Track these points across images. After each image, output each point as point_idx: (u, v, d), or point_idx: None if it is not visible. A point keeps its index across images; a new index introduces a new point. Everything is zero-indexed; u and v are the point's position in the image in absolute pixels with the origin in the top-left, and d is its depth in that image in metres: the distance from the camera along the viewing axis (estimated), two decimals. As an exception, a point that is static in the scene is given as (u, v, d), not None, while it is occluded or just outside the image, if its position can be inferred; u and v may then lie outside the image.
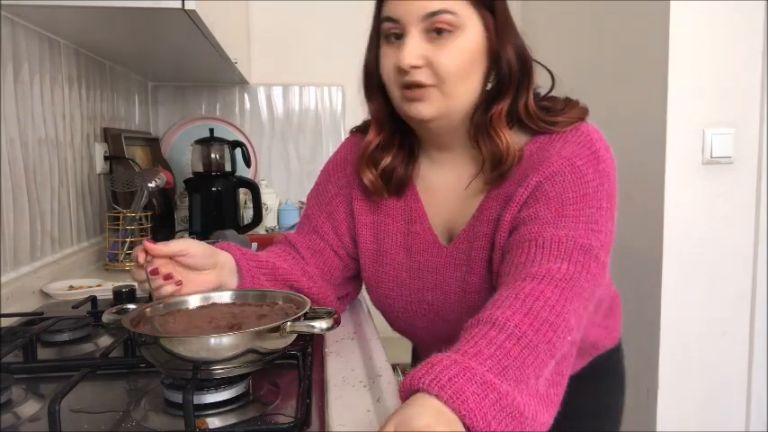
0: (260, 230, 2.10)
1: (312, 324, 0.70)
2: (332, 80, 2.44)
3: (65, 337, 0.93)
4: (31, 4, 1.14)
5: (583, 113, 0.86)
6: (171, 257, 0.81)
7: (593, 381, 1.00)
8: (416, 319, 0.96)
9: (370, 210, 0.96)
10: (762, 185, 1.74)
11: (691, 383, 1.76)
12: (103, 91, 1.76)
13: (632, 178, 1.83)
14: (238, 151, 2.06)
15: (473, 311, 0.68)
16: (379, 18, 0.85)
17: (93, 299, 1.07)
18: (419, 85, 0.81)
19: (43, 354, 0.88)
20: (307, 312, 0.75)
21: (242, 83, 2.34)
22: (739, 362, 1.79)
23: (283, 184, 2.45)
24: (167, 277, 0.80)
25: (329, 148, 2.47)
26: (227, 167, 1.99)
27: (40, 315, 1.04)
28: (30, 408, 0.69)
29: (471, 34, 0.81)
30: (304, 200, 2.34)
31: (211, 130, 2.02)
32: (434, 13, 0.78)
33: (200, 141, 1.98)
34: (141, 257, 0.79)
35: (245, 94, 2.42)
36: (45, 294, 1.24)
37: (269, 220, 2.20)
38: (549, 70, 0.88)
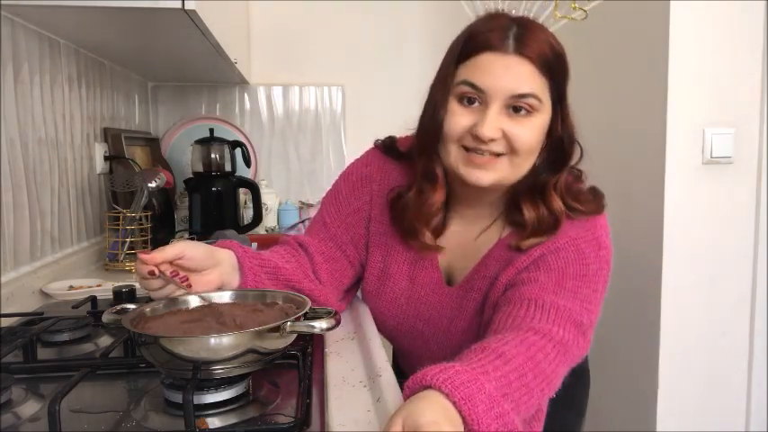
0: (260, 230, 2.10)
1: (312, 324, 0.70)
2: (332, 80, 2.43)
3: (65, 337, 0.92)
4: (31, 4, 1.14)
5: (601, 209, 0.92)
6: (171, 262, 0.80)
7: None
8: (404, 337, 1.03)
9: (385, 233, 0.99)
10: (762, 185, 1.74)
11: (691, 383, 1.76)
12: (103, 91, 1.76)
13: (632, 178, 1.83)
14: (238, 151, 2.06)
15: (454, 348, 0.77)
16: (452, 75, 0.86)
17: (93, 299, 1.07)
18: (493, 154, 0.84)
19: (43, 354, 0.88)
20: (307, 312, 0.75)
21: (242, 83, 2.34)
22: (739, 362, 1.79)
23: (283, 184, 2.45)
24: (183, 279, 0.80)
25: (329, 148, 2.47)
26: (227, 167, 1.99)
27: (40, 315, 1.04)
28: (30, 408, 0.69)
29: (544, 115, 0.86)
30: (304, 200, 2.37)
31: (211, 130, 2.02)
32: (524, 96, 0.83)
33: (201, 141, 1.98)
34: (146, 269, 0.77)
35: (245, 94, 2.42)
36: (45, 294, 1.24)
37: (269, 220, 2.20)
38: (580, 146, 0.93)
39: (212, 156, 1.97)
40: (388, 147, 1.01)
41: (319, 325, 0.69)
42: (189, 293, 0.81)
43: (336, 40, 2.41)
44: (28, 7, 1.16)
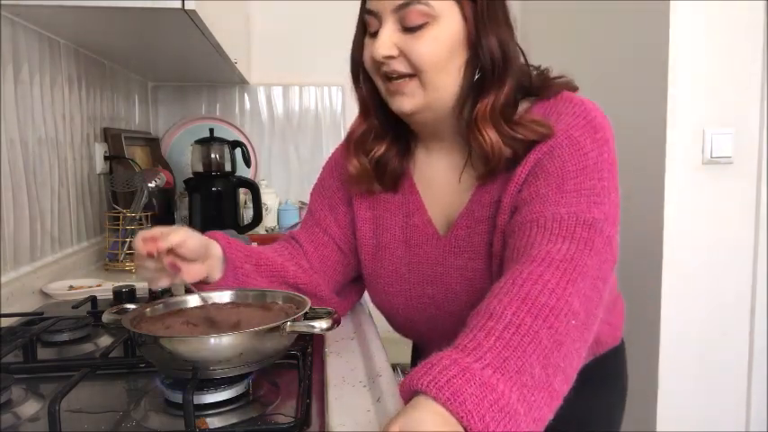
0: (260, 230, 2.10)
1: (312, 324, 0.70)
2: (332, 80, 2.43)
3: (65, 337, 0.93)
4: (31, 4, 1.14)
5: (573, 86, 0.86)
6: (169, 250, 0.81)
7: (592, 383, 0.97)
8: (417, 314, 0.94)
9: (369, 205, 0.96)
10: (762, 185, 1.74)
11: (691, 383, 1.76)
12: (103, 91, 1.76)
13: (632, 178, 1.83)
14: (238, 151, 2.06)
15: (477, 301, 0.65)
16: (363, 11, 0.85)
17: (93, 299, 1.07)
18: (399, 76, 0.80)
19: (43, 354, 0.88)
20: (307, 312, 0.75)
21: (242, 83, 2.34)
22: (739, 362, 1.79)
23: (283, 184, 2.45)
24: (175, 267, 0.80)
25: (329, 148, 2.45)
26: (227, 167, 1.99)
27: (40, 315, 1.04)
28: (30, 408, 0.69)
29: (448, 23, 0.79)
30: (304, 200, 2.36)
31: (211, 130, 2.02)
32: (406, 4, 0.77)
33: (201, 141, 1.98)
34: (147, 249, 0.78)
35: (245, 94, 2.42)
36: (45, 294, 1.24)
37: (269, 220, 2.20)
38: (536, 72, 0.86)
39: (212, 156, 1.97)
40: None
41: (319, 325, 0.69)
42: (179, 281, 0.81)
43: (336, 40, 2.38)
44: (28, 7, 1.16)
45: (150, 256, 0.78)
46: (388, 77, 0.82)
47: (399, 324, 1.00)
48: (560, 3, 2.28)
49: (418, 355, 1.16)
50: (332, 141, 2.46)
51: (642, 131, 1.80)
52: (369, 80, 0.87)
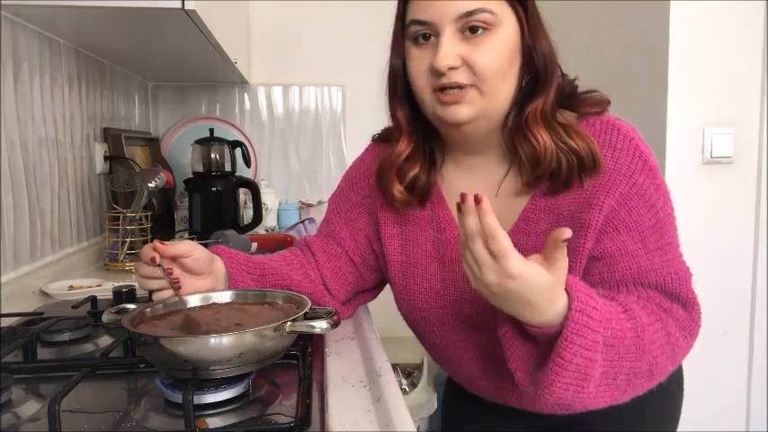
0: (260, 230, 2.10)
1: (312, 324, 0.70)
2: (332, 80, 2.44)
3: (65, 337, 0.93)
4: (31, 3, 1.14)
5: (606, 101, 0.85)
6: (174, 258, 0.82)
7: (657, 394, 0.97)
8: (454, 334, 0.90)
9: (396, 220, 0.92)
10: (762, 185, 1.74)
11: (691, 383, 1.76)
12: (103, 91, 1.76)
13: (632, 178, 1.83)
14: (238, 151, 2.06)
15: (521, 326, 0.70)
16: (403, 21, 0.81)
17: (93, 299, 1.07)
18: (458, 87, 0.77)
19: (43, 354, 0.88)
20: (307, 312, 0.75)
21: (242, 83, 2.34)
22: (739, 362, 1.79)
23: (283, 184, 2.45)
24: (175, 279, 0.81)
25: (329, 148, 2.47)
26: (227, 167, 1.99)
27: (40, 315, 1.04)
28: (30, 408, 0.69)
29: (507, 31, 0.78)
30: (304, 200, 2.37)
31: (211, 130, 2.02)
32: (471, 13, 0.75)
33: (201, 141, 1.98)
34: (151, 255, 0.80)
35: (245, 94, 2.42)
36: (45, 294, 1.24)
37: (269, 220, 2.20)
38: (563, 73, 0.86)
39: (212, 156, 1.97)
40: (383, 136, 0.97)
41: (319, 325, 0.69)
42: (176, 296, 0.81)
43: (336, 40, 2.41)
44: (28, 7, 1.16)
45: (153, 261, 0.80)
46: (442, 89, 0.78)
47: (431, 343, 0.96)
48: (560, 3, 2.27)
49: (452, 388, 1.10)
50: (332, 141, 2.47)
51: (642, 131, 1.78)
52: (406, 97, 0.84)
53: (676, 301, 0.79)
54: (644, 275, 0.77)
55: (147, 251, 0.81)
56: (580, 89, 0.86)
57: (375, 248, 0.96)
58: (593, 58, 2.04)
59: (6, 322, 0.98)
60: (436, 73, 0.77)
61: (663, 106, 1.69)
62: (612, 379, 0.69)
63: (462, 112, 0.78)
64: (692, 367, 1.83)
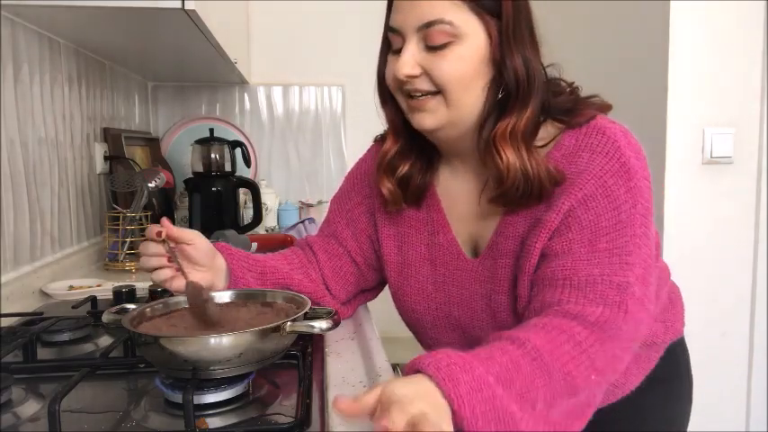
0: (260, 230, 2.10)
1: (312, 324, 0.70)
2: (332, 80, 2.44)
3: (65, 337, 0.93)
4: (31, 3, 1.14)
5: (606, 107, 0.85)
6: (177, 243, 0.83)
7: (658, 382, 0.95)
8: (444, 335, 0.92)
9: (393, 221, 0.94)
10: (762, 185, 1.74)
11: (691, 383, 1.76)
12: (103, 91, 1.76)
13: (632, 178, 1.83)
14: (238, 151, 2.06)
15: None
16: (387, 28, 0.83)
17: (93, 299, 1.07)
18: (422, 94, 0.79)
19: (43, 354, 0.88)
20: (307, 312, 0.75)
21: (242, 83, 2.34)
22: (739, 362, 1.79)
23: (283, 184, 2.45)
24: (175, 268, 0.83)
25: (329, 148, 2.47)
26: (227, 167, 1.99)
27: (40, 315, 1.04)
28: (30, 408, 0.69)
29: (473, 42, 0.77)
30: (304, 200, 2.37)
31: (211, 130, 2.02)
32: (431, 23, 0.76)
33: (201, 141, 1.98)
34: (157, 229, 0.82)
35: (245, 94, 2.42)
36: (45, 294, 1.24)
37: (269, 220, 2.20)
38: (572, 87, 0.85)
39: (212, 156, 1.97)
40: (385, 138, 0.96)
41: (319, 325, 0.69)
42: (176, 289, 0.82)
43: (336, 40, 2.41)
44: (28, 7, 1.16)
45: (159, 235, 0.82)
46: (410, 95, 0.80)
47: (426, 344, 0.97)
48: (560, 3, 2.27)
49: None
50: (332, 141, 2.47)
51: (642, 131, 1.78)
52: (393, 98, 0.86)
53: (599, 304, 0.71)
54: (575, 275, 0.73)
55: (154, 227, 0.83)
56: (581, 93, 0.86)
57: (376, 248, 0.97)
58: (592, 58, 2.03)
59: (6, 322, 0.98)
60: (400, 81, 0.79)
61: (663, 106, 1.69)
62: (532, 408, 0.61)
63: (426, 120, 0.80)
64: (692, 367, 1.83)
